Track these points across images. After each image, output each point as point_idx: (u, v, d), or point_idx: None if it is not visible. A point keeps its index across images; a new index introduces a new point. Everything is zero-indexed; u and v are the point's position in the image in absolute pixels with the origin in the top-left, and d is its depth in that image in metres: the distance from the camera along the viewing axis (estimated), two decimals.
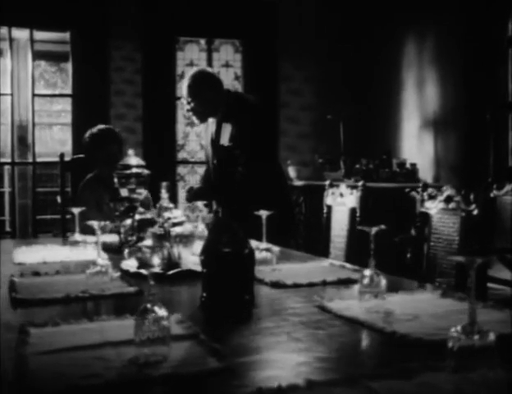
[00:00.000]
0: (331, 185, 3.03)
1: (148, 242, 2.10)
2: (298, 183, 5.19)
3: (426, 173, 4.84)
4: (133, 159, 2.62)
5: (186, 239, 2.00)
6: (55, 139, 8.85)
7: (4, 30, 5.21)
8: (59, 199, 4.12)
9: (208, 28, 5.50)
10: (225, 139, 3.21)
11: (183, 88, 3.28)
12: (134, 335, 1.12)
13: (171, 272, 1.94)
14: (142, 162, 2.63)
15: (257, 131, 3.18)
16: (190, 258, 2.05)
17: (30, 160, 5.44)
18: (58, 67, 8.65)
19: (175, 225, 2.01)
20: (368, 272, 1.50)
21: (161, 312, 1.13)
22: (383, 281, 1.48)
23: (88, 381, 1.01)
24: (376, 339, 1.25)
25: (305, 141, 5.62)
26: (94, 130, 3.47)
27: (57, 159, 4.81)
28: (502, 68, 4.27)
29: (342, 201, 2.88)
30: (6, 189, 5.69)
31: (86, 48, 5.07)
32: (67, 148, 6.80)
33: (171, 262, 2.00)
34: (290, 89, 5.71)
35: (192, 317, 1.42)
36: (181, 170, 5.75)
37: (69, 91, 6.27)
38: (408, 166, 4.67)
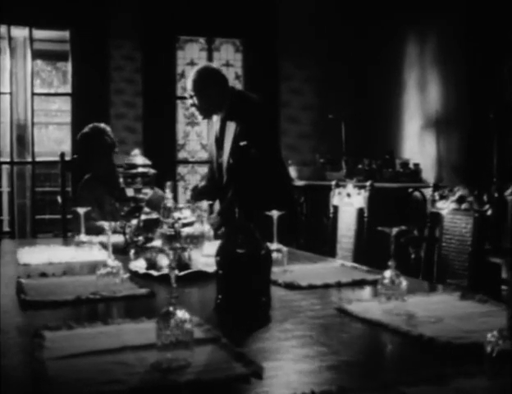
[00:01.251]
0: (338, 185, 3.00)
1: (157, 243, 2.06)
2: (299, 183, 5.16)
3: (428, 173, 4.82)
4: (139, 159, 2.58)
5: (197, 239, 1.97)
6: (51, 139, 8.80)
7: (3, 29, 5.15)
8: (59, 199, 4.08)
9: (209, 27, 5.46)
10: (229, 138, 3.18)
11: (187, 82, 3.24)
12: (157, 339, 1.09)
13: (181, 273, 1.90)
14: (148, 162, 2.59)
15: (261, 130, 3.15)
16: (201, 259, 2.01)
17: (28, 159, 5.39)
18: (54, 66, 8.60)
19: (184, 225, 1.97)
20: (388, 273, 1.47)
21: (183, 315, 1.09)
22: (404, 283, 1.45)
23: (110, 387, 0.97)
24: (402, 342, 1.22)
25: (306, 141, 5.59)
26: (84, 129, 3.47)
27: (54, 158, 4.76)
28: (505, 67, 4.24)
29: (349, 201, 2.85)
30: (5, 188, 5.63)
31: (86, 46, 5.01)
32: (64, 147, 6.75)
33: (181, 263, 1.96)
34: (291, 89, 5.68)
35: (208, 320, 1.38)
36: (182, 170, 5.70)
37: (65, 90, 6.22)
38: (411, 166, 4.65)
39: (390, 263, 1.48)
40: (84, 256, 2.39)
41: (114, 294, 1.67)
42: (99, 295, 1.65)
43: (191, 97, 3.18)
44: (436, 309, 1.43)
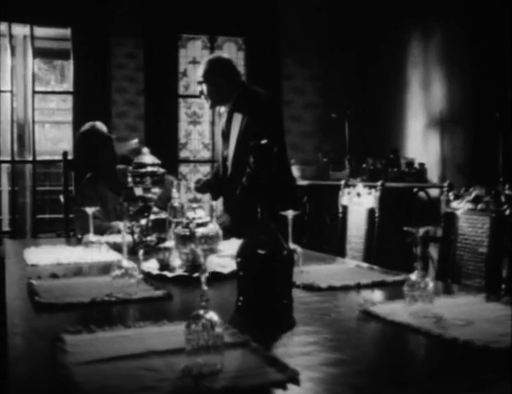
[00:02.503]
0: (347, 185, 2.97)
1: (170, 243, 2.02)
2: (302, 182, 5.13)
3: (432, 172, 4.79)
4: (148, 157, 2.54)
5: (211, 240, 1.93)
6: (48, 138, 8.73)
7: (4, 26, 5.09)
8: (62, 198, 4.04)
9: (211, 25, 5.41)
10: (235, 130, 3.19)
11: (198, 70, 3.29)
12: (186, 343, 1.05)
13: (196, 274, 1.87)
14: (157, 161, 2.55)
15: (268, 124, 3.16)
16: (215, 259, 1.98)
17: (28, 158, 5.33)
18: (51, 65, 8.52)
19: (199, 225, 1.93)
20: (414, 274, 1.43)
21: (214, 318, 1.06)
22: (431, 285, 1.42)
23: None
24: (435, 346, 1.18)
25: (308, 140, 5.55)
26: (82, 128, 3.46)
27: (55, 157, 4.69)
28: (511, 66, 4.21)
29: (360, 201, 2.81)
30: (4, 188, 5.55)
31: (87, 44, 4.95)
32: (61, 146, 6.68)
33: (195, 263, 1.92)
34: (293, 87, 5.64)
35: (231, 322, 1.34)
36: (183, 169, 5.65)
37: (62, 89, 6.16)
38: (416, 165, 4.61)
39: (416, 264, 1.45)
40: (92, 257, 2.35)
41: (130, 296, 1.62)
42: (115, 298, 1.61)
43: (200, 83, 3.22)
44: (464, 312, 1.40)
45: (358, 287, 1.74)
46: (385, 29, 5.43)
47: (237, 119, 3.18)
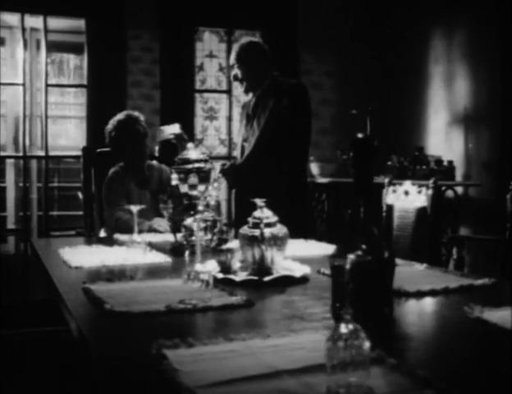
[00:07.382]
0: (391, 183, 2.86)
1: (233, 244, 1.89)
2: (321, 180, 5.02)
3: (456, 170, 4.68)
4: (193, 153, 2.41)
5: (281, 241, 1.80)
6: (48, 133, 8.53)
7: (11, 17, 4.92)
8: (80, 195, 3.90)
9: (228, 18, 5.26)
10: (264, 112, 3.18)
11: (231, 54, 3.32)
12: (327, 360, 0.92)
13: (267, 278, 1.74)
14: (203, 157, 2.42)
15: (299, 109, 3.18)
16: (282, 262, 1.85)
17: (35, 154, 5.16)
18: (50, 59, 8.32)
19: (266, 226, 1.81)
20: None
21: (359, 331, 0.93)
22: None
23: None
24: None
25: (326, 137, 5.42)
26: (118, 116, 3.37)
27: (73, 153, 4.53)
28: None
29: (408, 200, 2.71)
30: (9, 184, 5.36)
31: (102, 36, 4.77)
32: (61, 141, 6.49)
33: (263, 267, 1.80)
34: (311, 83, 5.50)
35: None
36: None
37: (60, 82, 5.98)
38: (445, 163, 4.50)
39: None
40: (137, 258, 2.21)
41: (206, 303, 1.49)
42: (191, 305, 1.47)
43: (233, 67, 3.24)
44: None
45: (447, 292, 1.62)
46: (406, 25, 5.31)
47: (267, 102, 3.16)
